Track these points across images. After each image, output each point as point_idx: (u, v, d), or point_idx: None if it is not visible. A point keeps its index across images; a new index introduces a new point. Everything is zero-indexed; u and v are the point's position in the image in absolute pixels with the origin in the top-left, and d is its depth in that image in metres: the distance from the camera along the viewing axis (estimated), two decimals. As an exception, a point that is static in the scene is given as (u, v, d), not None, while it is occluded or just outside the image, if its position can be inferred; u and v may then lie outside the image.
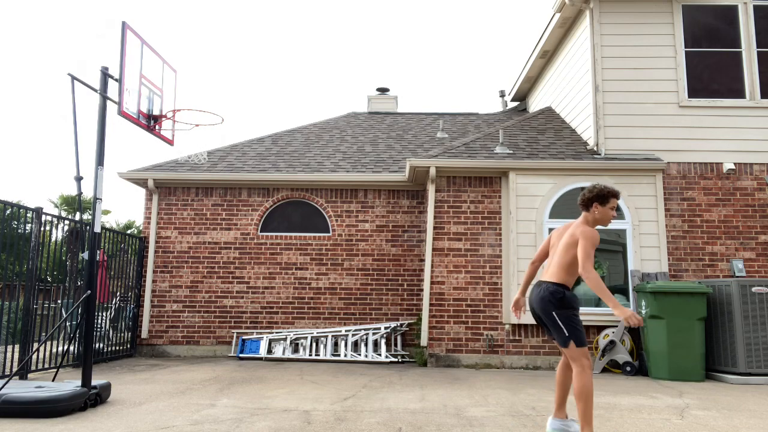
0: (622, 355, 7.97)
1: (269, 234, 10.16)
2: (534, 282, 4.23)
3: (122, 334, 9.47)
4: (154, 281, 10.01)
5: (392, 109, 14.39)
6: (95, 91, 5.46)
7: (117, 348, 9.25)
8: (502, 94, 14.87)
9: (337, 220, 10.15)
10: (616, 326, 8.20)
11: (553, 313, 3.89)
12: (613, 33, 9.17)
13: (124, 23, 5.48)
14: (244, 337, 9.60)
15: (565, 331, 3.87)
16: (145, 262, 10.04)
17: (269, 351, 9.42)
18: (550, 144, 9.52)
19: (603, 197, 4.00)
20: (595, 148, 8.97)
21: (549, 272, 4.04)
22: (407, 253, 10.05)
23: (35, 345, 6.79)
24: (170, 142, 6.39)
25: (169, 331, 9.89)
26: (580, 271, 3.85)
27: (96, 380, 5.36)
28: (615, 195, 4.03)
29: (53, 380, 5.60)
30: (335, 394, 5.98)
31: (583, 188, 8.66)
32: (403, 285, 9.96)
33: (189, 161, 10.49)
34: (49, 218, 7.54)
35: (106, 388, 5.41)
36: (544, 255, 4.31)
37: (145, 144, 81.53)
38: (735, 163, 8.83)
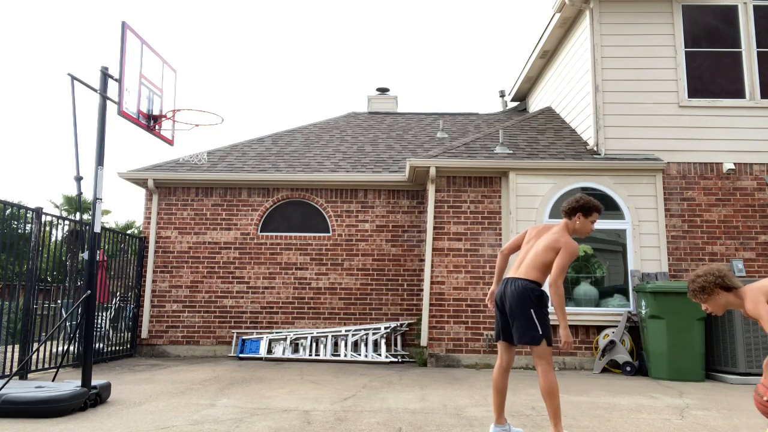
0: (622, 355, 7.97)
1: (269, 234, 10.16)
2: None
3: (122, 334, 9.47)
4: (154, 281, 10.01)
5: (392, 109, 14.39)
6: (95, 91, 5.46)
7: (117, 348, 9.25)
8: (502, 94, 14.86)
9: (337, 220, 10.15)
10: (616, 326, 8.21)
11: (531, 310, 3.87)
12: (613, 33, 9.17)
13: (123, 23, 5.48)
14: (244, 337, 9.60)
15: (540, 329, 3.86)
16: (145, 262, 10.04)
17: (269, 351, 9.42)
18: (550, 144, 9.52)
19: (588, 210, 4.09)
20: (595, 148, 8.97)
21: (523, 269, 4.02)
22: (407, 253, 10.05)
23: (35, 345, 6.79)
24: (170, 142, 6.39)
25: (169, 331, 9.89)
26: (550, 282, 3.87)
27: (96, 380, 5.36)
28: (599, 210, 4.12)
29: (53, 380, 5.60)
30: (335, 394, 5.98)
31: (583, 188, 8.73)
32: (403, 285, 9.96)
33: (190, 161, 10.49)
34: (49, 218, 7.54)
35: (106, 388, 5.41)
36: (516, 247, 4.33)
37: (145, 144, 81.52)
38: (735, 163, 8.83)
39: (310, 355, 9.29)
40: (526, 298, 3.90)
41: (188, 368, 8.11)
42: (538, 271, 3.96)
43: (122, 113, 5.45)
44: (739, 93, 9.02)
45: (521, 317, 3.91)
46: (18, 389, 4.93)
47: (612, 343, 8.03)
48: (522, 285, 3.95)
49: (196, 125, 6.40)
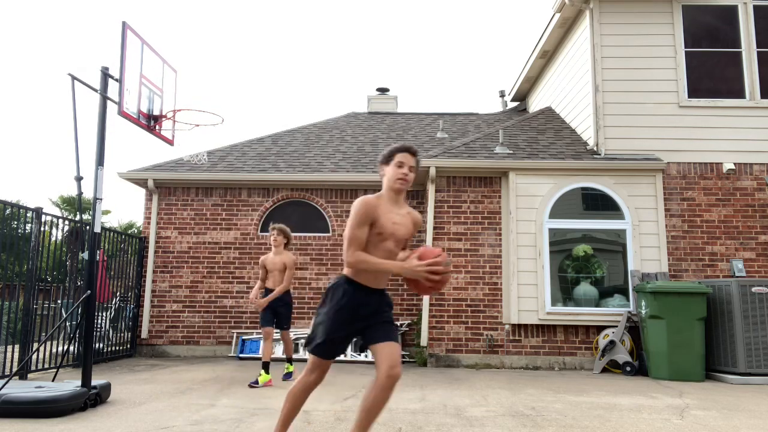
0: (622, 355, 7.97)
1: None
2: None
3: (122, 334, 9.47)
4: (154, 281, 10.01)
5: (392, 109, 14.39)
6: (95, 91, 5.46)
7: (117, 348, 9.25)
8: (502, 94, 14.87)
9: (337, 220, 10.15)
10: (616, 326, 8.21)
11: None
12: (613, 33, 9.17)
13: (124, 23, 5.48)
14: (244, 337, 9.60)
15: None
16: (145, 262, 10.03)
17: (269, 351, 9.41)
18: (550, 144, 9.52)
19: (388, 155, 3.29)
20: (595, 148, 8.97)
21: None
22: (407, 253, 10.03)
23: (35, 345, 6.79)
24: (170, 142, 6.38)
25: (169, 331, 9.89)
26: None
27: (96, 380, 5.36)
28: (402, 150, 3.26)
29: (53, 380, 5.60)
30: (335, 394, 5.98)
31: (583, 188, 8.72)
32: (403, 285, 9.95)
33: (190, 161, 10.49)
34: (49, 218, 7.54)
35: (106, 388, 5.41)
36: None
37: (145, 144, 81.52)
38: (735, 163, 8.83)
39: (310, 355, 9.28)
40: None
41: (188, 368, 8.11)
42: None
43: (122, 113, 5.45)
44: (739, 93, 9.02)
45: None
46: (18, 389, 4.92)
47: (612, 343, 8.03)
48: None
49: (196, 125, 6.40)
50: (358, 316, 3.15)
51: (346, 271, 3.21)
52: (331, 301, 3.17)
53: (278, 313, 6.80)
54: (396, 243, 3.21)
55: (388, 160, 3.26)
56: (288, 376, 7.00)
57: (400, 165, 3.21)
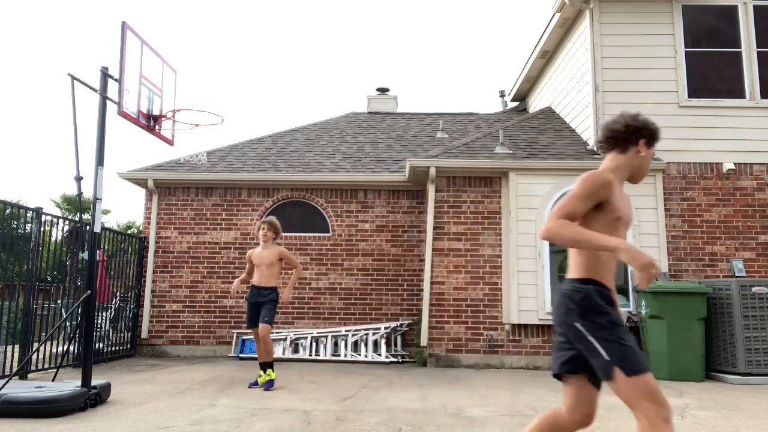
0: (622, 355, 7.95)
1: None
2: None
3: (122, 334, 9.47)
4: (154, 281, 10.00)
5: (392, 109, 14.39)
6: (95, 91, 5.46)
7: (117, 348, 9.25)
8: (502, 94, 14.87)
9: (337, 220, 10.15)
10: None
11: (577, 324, 2.40)
12: (613, 33, 9.18)
13: (123, 23, 5.48)
14: (244, 337, 9.59)
15: (603, 351, 2.37)
16: (145, 262, 10.03)
17: (269, 351, 9.41)
18: (550, 144, 9.52)
19: (654, 135, 2.55)
20: (595, 148, 8.97)
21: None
22: (407, 253, 10.04)
23: (35, 345, 6.78)
24: (170, 142, 6.38)
25: (169, 331, 9.89)
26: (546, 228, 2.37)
27: (96, 380, 5.36)
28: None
29: (53, 380, 5.60)
30: (335, 394, 5.98)
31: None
32: (403, 285, 9.96)
33: (190, 161, 10.50)
34: (49, 218, 7.54)
35: (106, 388, 5.41)
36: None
37: (145, 144, 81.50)
38: (735, 163, 8.83)
39: (310, 355, 9.28)
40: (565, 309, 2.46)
41: (188, 368, 8.11)
42: (574, 258, 2.50)
43: (122, 113, 5.45)
44: (739, 93, 9.02)
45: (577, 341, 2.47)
46: (18, 389, 4.92)
47: (612, 343, 8.02)
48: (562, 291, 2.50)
49: (196, 125, 6.40)
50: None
51: (576, 273, 2.46)
52: (598, 313, 2.38)
53: (261, 308, 6.34)
54: (626, 230, 2.54)
55: (651, 142, 2.56)
56: (269, 384, 6.24)
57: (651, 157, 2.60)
